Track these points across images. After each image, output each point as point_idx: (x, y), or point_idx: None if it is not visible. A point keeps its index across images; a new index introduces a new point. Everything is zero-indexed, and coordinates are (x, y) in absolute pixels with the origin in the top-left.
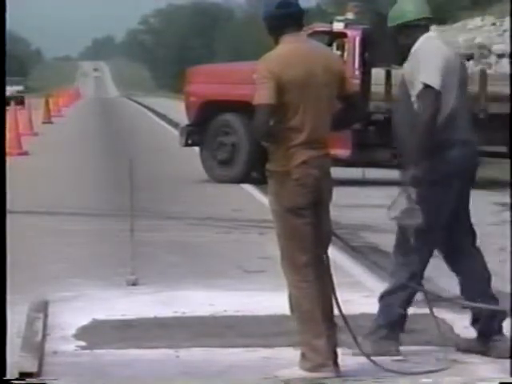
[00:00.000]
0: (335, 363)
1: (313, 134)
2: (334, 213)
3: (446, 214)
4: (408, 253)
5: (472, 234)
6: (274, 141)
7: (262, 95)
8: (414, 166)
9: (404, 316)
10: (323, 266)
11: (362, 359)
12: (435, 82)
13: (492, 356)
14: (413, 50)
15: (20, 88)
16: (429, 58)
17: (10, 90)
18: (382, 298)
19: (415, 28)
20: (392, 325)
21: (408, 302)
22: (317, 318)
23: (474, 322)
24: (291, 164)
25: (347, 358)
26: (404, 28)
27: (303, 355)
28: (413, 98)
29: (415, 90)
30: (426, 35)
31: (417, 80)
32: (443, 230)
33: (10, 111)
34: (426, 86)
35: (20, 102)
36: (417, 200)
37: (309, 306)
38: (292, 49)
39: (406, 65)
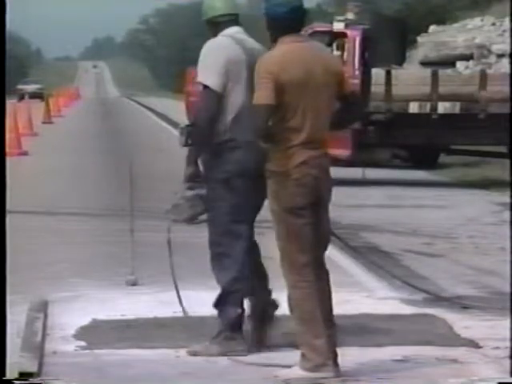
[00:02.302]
0: (335, 363)
1: (312, 134)
2: (334, 213)
3: (237, 212)
4: (220, 257)
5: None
6: (273, 141)
7: (261, 95)
8: (189, 165)
9: (240, 315)
10: (323, 266)
11: (362, 359)
12: (213, 82)
13: (263, 342)
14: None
15: (39, 86)
16: (209, 58)
17: (32, 87)
18: (216, 304)
19: (223, 23)
20: (231, 326)
21: (241, 301)
22: (317, 318)
23: (252, 314)
24: (290, 164)
25: (347, 358)
26: (213, 23)
27: (303, 355)
28: None
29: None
30: (222, 33)
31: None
32: (245, 229)
33: (10, 111)
34: (205, 87)
35: (40, 96)
36: (207, 198)
37: (309, 306)
38: (291, 49)
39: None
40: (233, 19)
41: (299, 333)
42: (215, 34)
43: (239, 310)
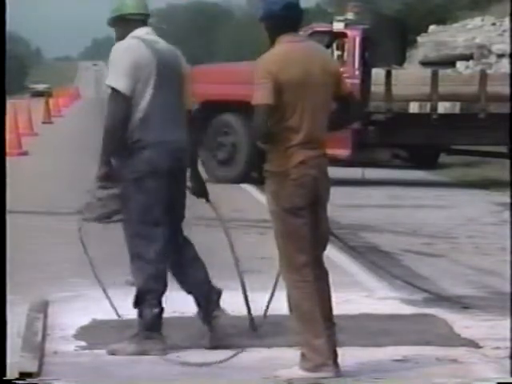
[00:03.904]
0: (335, 363)
1: (310, 133)
2: (334, 213)
3: (150, 213)
4: (136, 257)
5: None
6: (272, 141)
7: (261, 95)
8: (101, 165)
9: (158, 315)
10: (322, 266)
11: (362, 359)
12: (122, 85)
13: (217, 333)
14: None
15: (47, 85)
16: (118, 61)
17: (41, 86)
18: (134, 304)
19: (132, 22)
20: (149, 326)
21: (158, 301)
22: (316, 317)
23: (198, 307)
24: (289, 164)
25: (347, 358)
26: (121, 21)
27: (303, 355)
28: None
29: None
30: (131, 34)
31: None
32: (158, 229)
33: (10, 111)
34: (113, 89)
35: (49, 94)
36: (121, 199)
37: (308, 305)
38: (289, 48)
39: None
40: (143, 19)
41: (299, 333)
42: (123, 33)
43: (156, 310)
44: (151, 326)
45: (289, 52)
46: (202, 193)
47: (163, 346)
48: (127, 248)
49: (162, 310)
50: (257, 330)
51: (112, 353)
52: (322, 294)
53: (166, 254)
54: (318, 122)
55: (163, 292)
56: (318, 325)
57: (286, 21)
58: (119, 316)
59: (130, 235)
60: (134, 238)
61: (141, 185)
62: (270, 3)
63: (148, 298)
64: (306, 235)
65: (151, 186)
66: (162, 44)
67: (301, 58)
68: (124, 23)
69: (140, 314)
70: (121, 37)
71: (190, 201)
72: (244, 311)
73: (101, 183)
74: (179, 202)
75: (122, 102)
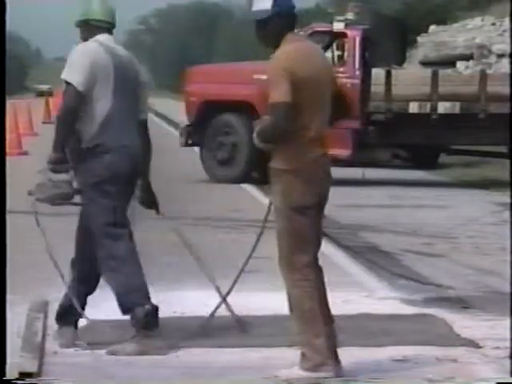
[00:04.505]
0: (336, 361)
1: (318, 131)
2: (334, 213)
3: (112, 215)
4: (106, 260)
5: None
6: (285, 139)
7: (280, 93)
8: (54, 150)
9: (152, 312)
10: (317, 264)
11: (362, 359)
12: (77, 80)
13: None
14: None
15: (49, 86)
16: (76, 59)
17: (46, 87)
18: (122, 309)
19: (96, 28)
20: (144, 324)
21: (147, 298)
22: (317, 316)
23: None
24: (301, 162)
25: (347, 358)
26: (86, 24)
27: (303, 355)
28: None
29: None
30: (93, 38)
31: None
32: (123, 230)
33: (10, 111)
34: (68, 83)
35: (50, 94)
36: (86, 202)
37: (309, 304)
38: (299, 47)
39: None
40: (108, 27)
41: (299, 332)
42: (87, 37)
43: (148, 307)
44: (147, 324)
45: (299, 50)
46: (151, 204)
47: (163, 344)
48: (96, 251)
49: (154, 307)
50: (247, 331)
51: (112, 353)
52: (320, 291)
53: (134, 251)
54: (324, 119)
55: (147, 289)
56: (319, 324)
57: (294, 19)
58: (82, 317)
59: (97, 237)
60: (102, 239)
61: (101, 189)
62: (281, 2)
63: (134, 296)
64: (311, 235)
65: (111, 189)
66: (121, 51)
67: (309, 56)
68: (89, 27)
69: (133, 316)
70: (85, 39)
71: (191, 201)
72: (245, 312)
73: (53, 166)
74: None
75: (74, 96)
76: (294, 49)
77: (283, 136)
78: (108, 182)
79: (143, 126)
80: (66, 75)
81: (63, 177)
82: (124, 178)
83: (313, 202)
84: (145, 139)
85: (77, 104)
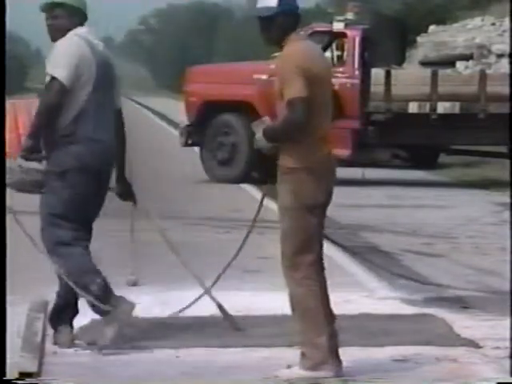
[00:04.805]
0: (338, 361)
1: (325, 129)
2: (334, 213)
3: (74, 204)
4: (57, 246)
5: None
6: (301, 136)
7: (297, 89)
8: (30, 137)
9: (105, 285)
10: (322, 264)
11: (362, 359)
12: (62, 75)
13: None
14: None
15: None
16: (61, 53)
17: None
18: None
19: (71, 16)
20: (103, 298)
21: (99, 276)
22: (320, 315)
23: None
24: (312, 160)
25: (347, 358)
26: (60, 9)
27: (303, 354)
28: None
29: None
30: (74, 31)
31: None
32: (78, 220)
33: (10, 111)
34: (52, 78)
35: None
36: (47, 190)
37: (314, 303)
38: (306, 45)
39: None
40: (83, 17)
41: (301, 331)
42: (59, 25)
43: (99, 281)
44: (105, 297)
45: (307, 48)
46: (127, 195)
47: (131, 306)
48: (44, 240)
49: (104, 280)
50: (240, 330)
51: (93, 343)
52: (322, 289)
53: (82, 240)
54: (329, 117)
55: (95, 266)
56: (321, 323)
57: (298, 19)
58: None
59: (45, 226)
60: (49, 228)
61: (66, 178)
62: (287, 0)
63: (87, 276)
64: (316, 234)
65: (75, 180)
66: (99, 45)
67: (316, 54)
68: (62, 13)
69: (89, 295)
70: (56, 28)
71: (191, 201)
72: (245, 312)
73: (24, 153)
74: (97, 201)
75: (59, 91)
76: (303, 47)
77: (300, 132)
78: (72, 173)
79: (118, 114)
80: (51, 69)
81: (34, 165)
82: (91, 171)
83: (322, 201)
84: (119, 128)
85: (61, 99)
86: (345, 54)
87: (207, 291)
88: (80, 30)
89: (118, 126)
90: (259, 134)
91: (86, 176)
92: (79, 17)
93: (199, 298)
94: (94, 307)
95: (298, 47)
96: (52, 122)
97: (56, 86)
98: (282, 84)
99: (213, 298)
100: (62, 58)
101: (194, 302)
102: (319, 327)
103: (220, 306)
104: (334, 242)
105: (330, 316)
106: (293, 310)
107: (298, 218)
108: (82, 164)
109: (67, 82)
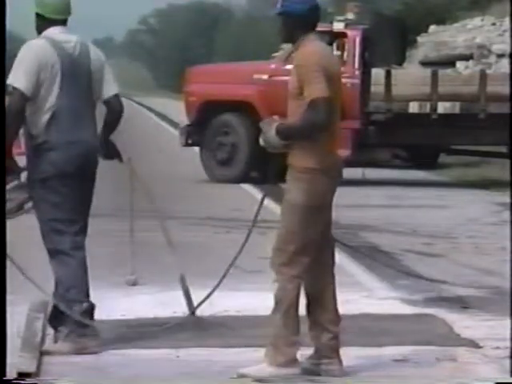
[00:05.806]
0: (339, 361)
1: (337, 129)
2: (334, 213)
3: (61, 209)
4: (53, 254)
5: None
6: (322, 135)
7: (319, 88)
8: (7, 158)
9: (88, 310)
10: (328, 262)
11: (362, 359)
12: (23, 85)
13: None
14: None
15: None
16: (22, 61)
17: None
18: (61, 304)
19: (49, 21)
20: (81, 323)
21: (85, 295)
22: (297, 314)
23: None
24: (329, 161)
25: (347, 358)
26: (38, 16)
27: (276, 349)
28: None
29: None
30: (44, 32)
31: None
32: (70, 225)
33: None
34: (13, 88)
35: None
36: (35, 199)
37: (297, 302)
38: (322, 45)
39: None
40: (62, 19)
41: (280, 326)
42: (40, 27)
43: (85, 305)
44: (82, 322)
45: (324, 48)
46: (112, 154)
47: (98, 341)
48: (45, 244)
49: (91, 305)
50: (206, 329)
51: (47, 353)
52: (329, 290)
53: (81, 248)
54: (339, 118)
55: (87, 286)
56: (298, 322)
57: (319, 18)
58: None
59: (45, 232)
60: (49, 234)
61: (47, 185)
62: (294, 2)
63: (73, 292)
64: (318, 234)
65: (57, 186)
66: (71, 43)
67: (330, 54)
68: (42, 20)
69: (69, 313)
70: (38, 26)
71: (191, 201)
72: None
73: (12, 175)
74: (85, 201)
75: (20, 101)
76: (319, 48)
77: (320, 132)
78: (54, 179)
79: (114, 101)
80: (11, 80)
81: (11, 185)
82: (71, 175)
83: (330, 201)
84: (114, 113)
85: (22, 108)
86: (345, 54)
87: (185, 291)
88: (52, 31)
89: (113, 110)
90: (271, 133)
91: (65, 180)
92: (57, 20)
93: (209, 295)
94: (50, 321)
95: (318, 46)
96: (18, 130)
97: (17, 96)
98: (300, 82)
99: (183, 285)
100: (20, 66)
101: (204, 300)
102: (296, 326)
103: (187, 292)
104: (337, 242)
105: (336, 316)
106: (276, 303)
107: (305, 217)
108: (59, 171)
109: (27, 91)
